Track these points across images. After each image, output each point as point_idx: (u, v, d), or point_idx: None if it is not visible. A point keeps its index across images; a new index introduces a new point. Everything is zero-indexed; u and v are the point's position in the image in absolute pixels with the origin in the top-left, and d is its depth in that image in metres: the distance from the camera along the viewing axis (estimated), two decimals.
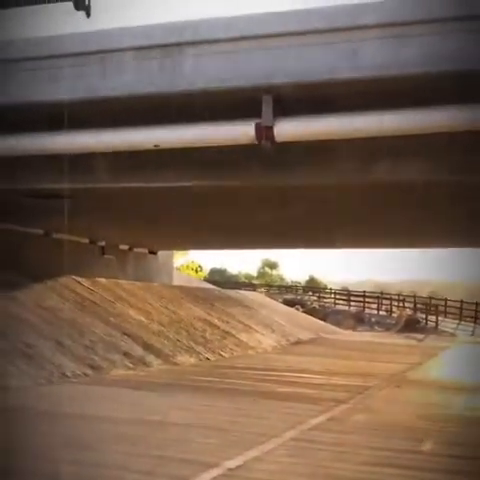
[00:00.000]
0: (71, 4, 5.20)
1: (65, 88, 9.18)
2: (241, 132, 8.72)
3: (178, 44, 8.67)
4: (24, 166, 10.54)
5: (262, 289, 46.16)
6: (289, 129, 8.56)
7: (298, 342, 23.75)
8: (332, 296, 44.17)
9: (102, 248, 21.20)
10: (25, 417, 8.09)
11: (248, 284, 50.99)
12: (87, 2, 5.32)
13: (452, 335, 33.55)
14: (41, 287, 15.65)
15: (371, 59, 7.85)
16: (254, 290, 41.68)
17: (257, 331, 22.34)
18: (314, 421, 8.70)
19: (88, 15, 5.30)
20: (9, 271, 15.32)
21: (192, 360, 15.37)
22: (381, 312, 39.20)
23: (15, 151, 9.92)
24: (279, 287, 51.07)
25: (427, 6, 7.71)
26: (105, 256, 21.24)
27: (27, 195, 12.39)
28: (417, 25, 7.70)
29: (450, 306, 39.51)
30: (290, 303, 36.97)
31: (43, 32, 9.12)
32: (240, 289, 37.13)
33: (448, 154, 8.74)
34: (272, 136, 8.55)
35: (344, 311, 39.11)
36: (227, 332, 19.89)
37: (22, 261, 16.64)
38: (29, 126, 9.63)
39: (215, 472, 5.95)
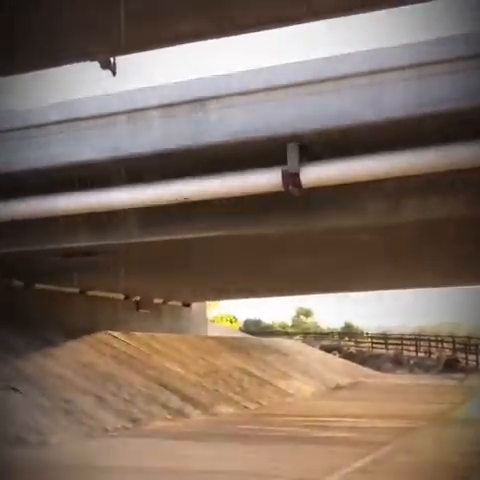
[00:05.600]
0: (94, 63, 5.43)
1: (92, 148, 9.50)
2: (268, 180, 8.89)
3: (202, 99, 8.95)
4: (54, 226, 10.81)
5: (298, 337, 45.79)
6: (315, 174, 8.70)
7: (337, 387, 23.50)
8: (369, 340, 43.69)
9: (137, 303, 21.38)
10: (68, 471, 8.18)
11: (283, 333, 50.61)
12: (112, 61, 5.55)
13: None
14: (78, 343, 15.84)
15: (392, 101, 8.03)
16: (290, 338, 41.38)
17: (295, 378, 22.18)
18: (357, 464, 8.63)
19: (114, 74, 5.54)
20: (47, 329, 15.57)
21: (231, 410, 15.31)
22: (420, 354, 38.65)
23: (46, 212, 10.21)
24: (315, 334, 50.61)
25: (447, 46, 7.85)
26: (140, 310, 21.39)
27: (60, 254, 12.64)
28: (438, 65, 7.86)
29: None
30: (327, 349, 36.65)
31: (68, 93, 9.49)
32: (276, 338, 36.91)
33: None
34: (299, 182, 8.70)
35: (382, 355, 38.62)
36: (265, 380, 19.80)
37: (59, 319, 16.90)
38: (57, 187, 9.94)
39: None
